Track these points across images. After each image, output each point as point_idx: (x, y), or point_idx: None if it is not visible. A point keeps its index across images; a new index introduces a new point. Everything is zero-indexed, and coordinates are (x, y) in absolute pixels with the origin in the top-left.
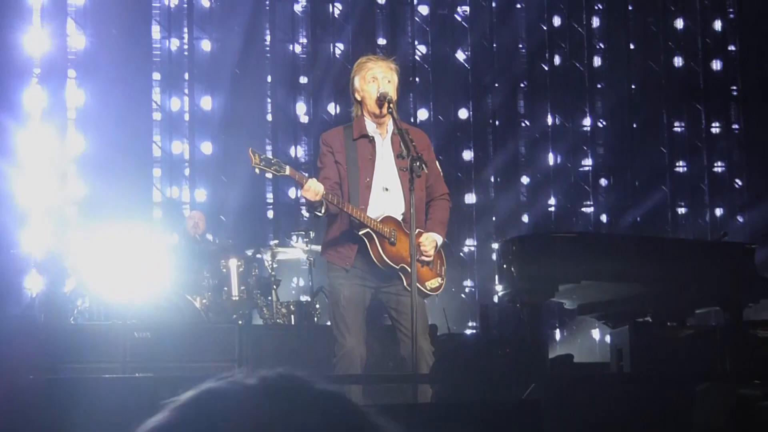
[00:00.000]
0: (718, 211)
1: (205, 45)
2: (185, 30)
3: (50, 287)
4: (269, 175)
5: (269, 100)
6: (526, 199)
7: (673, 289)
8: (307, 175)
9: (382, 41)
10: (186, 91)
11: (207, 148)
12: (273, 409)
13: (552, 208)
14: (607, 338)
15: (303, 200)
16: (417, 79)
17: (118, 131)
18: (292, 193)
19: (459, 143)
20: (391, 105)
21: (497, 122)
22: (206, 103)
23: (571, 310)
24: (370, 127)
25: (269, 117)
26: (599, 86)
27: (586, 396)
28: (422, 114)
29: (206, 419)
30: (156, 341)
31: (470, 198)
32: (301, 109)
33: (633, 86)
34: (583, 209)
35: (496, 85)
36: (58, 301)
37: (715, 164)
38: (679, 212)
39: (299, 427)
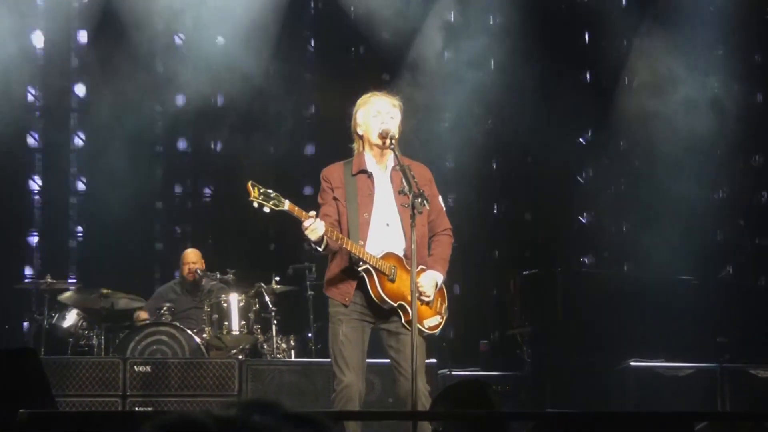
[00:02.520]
0: None
1: None
2: None
3: (50, 320)
4: (267, 210)
5: None
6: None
7: (674, 328)
8: (313, 213)
9: (386, 77)
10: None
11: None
12: None
13: None
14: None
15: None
16: None
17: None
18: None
19: None
20: (393, 141)
21: None
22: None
23: (571, 347)
24: (370, 162)
25: None
26: None
27: None
28: None
29: None
30: (156, 375)
31: None
32: None
33: None
34: None
35: None
36: (58, 334)
37: None
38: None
39: None
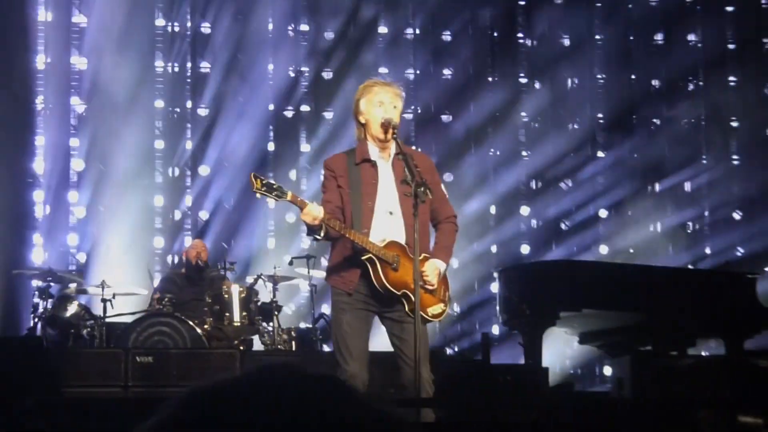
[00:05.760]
0: None
1: None
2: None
3: (53, 311)
4: (270, 201)
5: None
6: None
7: (675, 319)
8: (315, 204)
9: (383, 70)
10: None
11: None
12: (267, 396)
13: None
14: (608, 368)
15: (303, 224)
16: None
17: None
18: (290, 218)
19: None
20: (396, 131)
21: None
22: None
23: (572, 339)
24: (373, 151)
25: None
26: None
27: (586, 423)
28: None
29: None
30: (158, 366)
31: None
32: None
33: None
34: None
35: None
36: (60, 324)
37: None
38: None
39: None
